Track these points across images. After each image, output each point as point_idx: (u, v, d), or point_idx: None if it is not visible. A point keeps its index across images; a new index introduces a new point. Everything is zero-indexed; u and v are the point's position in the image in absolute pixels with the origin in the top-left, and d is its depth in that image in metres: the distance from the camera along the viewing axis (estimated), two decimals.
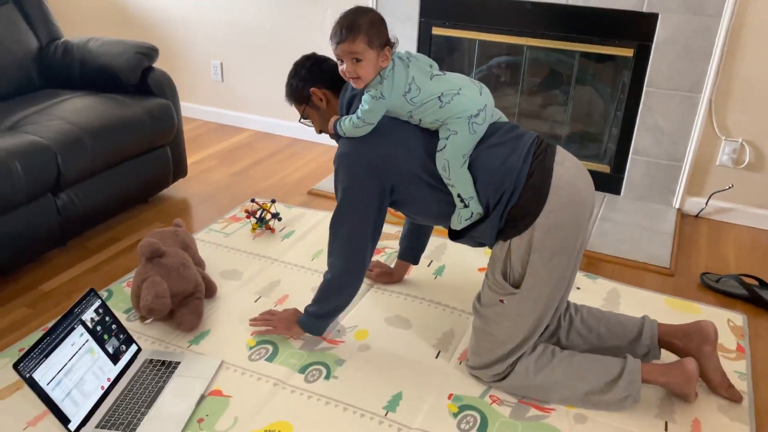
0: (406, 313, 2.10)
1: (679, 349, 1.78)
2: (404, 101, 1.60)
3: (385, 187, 1.67)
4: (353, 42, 1.53)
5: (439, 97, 1.59)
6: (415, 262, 2.21)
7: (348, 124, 1.64)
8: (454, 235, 1.75)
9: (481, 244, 1.76)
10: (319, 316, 1.87)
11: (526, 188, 1.57)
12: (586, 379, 1.68)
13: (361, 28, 1.53)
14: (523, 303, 1.64)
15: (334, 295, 1.82)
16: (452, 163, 1.59)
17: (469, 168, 1.62)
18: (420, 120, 1.64)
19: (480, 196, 1.62)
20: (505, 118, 1.76)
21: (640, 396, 1.67)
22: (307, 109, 1.80)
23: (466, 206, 1.63)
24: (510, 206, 1.59)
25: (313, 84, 1.75)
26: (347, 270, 1.76)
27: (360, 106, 1.62)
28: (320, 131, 1.85)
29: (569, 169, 1.62)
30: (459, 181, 1.61)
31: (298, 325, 1.90)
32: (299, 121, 1.86)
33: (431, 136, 1.64)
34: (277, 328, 1.93)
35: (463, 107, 1.59)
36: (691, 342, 1.75)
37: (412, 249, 2.17)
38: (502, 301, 1.65)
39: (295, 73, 1.78)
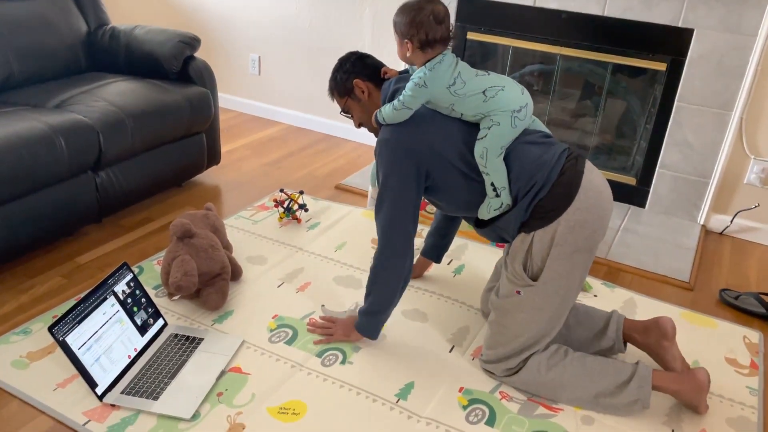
0: (423, 307, 2.15)
1: (639, 343, 1.85)
2: (448, 93, 1.65)
3: (421, 169, 1.71)
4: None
5: (483, 91, 1.65)
6: (438, 260, 2.26)
7: (388, 109, 1.70)
8: (479, 224, 1.81)
9: (502, 239, 1.81)
10: (370, 313, 1.87)
11: (557, 184, 1.63)
12: (597, 380, 1.71)
13: (399, 10, 1.66)
14: (538, 296, 1.68)
15: (379, 282, 1.82)
16: (490, 152, 1.64)
17: (505, 159, 1.67)
18: (462, 114, 1.69)
19: (511, 187, 1.67)
20: (543, 126, 1.83)
21: (650, 402, 1.69)
22: (348, 102, 1.87)
23: (497, 196, 1.68)
24: (538, 199, 1.64)
25: (357, 76, 1.83)
26: (389, 255, 1.78)
27: (403, 92, 1.68)
28: (359, 125, 1.91)
29: (597, 177, 1.69)
30: (494, 171, 1.66)
31: (355, 330, 1.92)
32: (340, 113, 1.92)
33: (470, 127, 1.69)
34: (335, 335, 1.94)
35: (506, 102, 1.65)
36: (649, 337, 1.82)
37: (435, 247, 2.22)
38: (518, 292, 1.70)
39: (340, 66, 1.86)
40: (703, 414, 1.75)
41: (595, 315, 1.89)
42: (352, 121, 1.97)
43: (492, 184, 1.67)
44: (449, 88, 1.65)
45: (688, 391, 1.71)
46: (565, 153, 1.68)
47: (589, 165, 1.70)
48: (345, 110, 1.90)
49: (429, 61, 1.65)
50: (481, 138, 1.66)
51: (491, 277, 2.07)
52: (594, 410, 1.74)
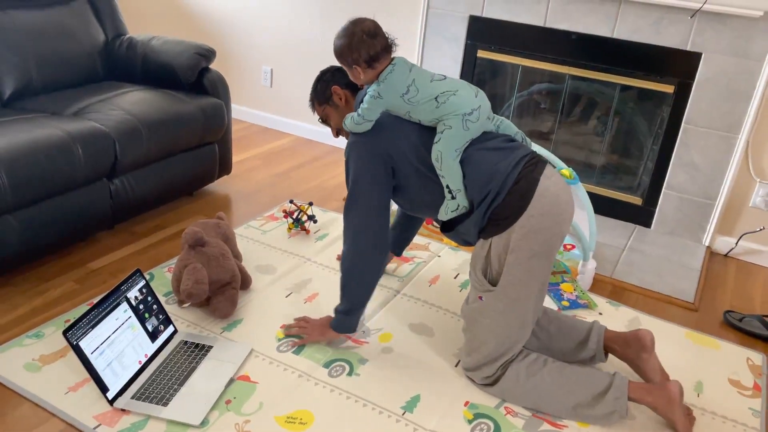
0: (430, 321, 2.18)
1: (619, 354, 1.89)
2: (402, 102, 1.72)
3: (387, 168, 1.78)
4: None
5: (435, 98, 1.71)
6: (398, 253, 2.35)
7: (350, 121, 1.77)
8: (444, 229, 1.87)
9: (467, 242, 1.86)
10: (347, 312, 1.92)
11: (511, 192, 1.68)
12: (574, 390, 1.74)
13: (334, 43, 1.74)
14: (499, 301, 1.73)
15: (352, 282, 1.87)
16: (445, 155, 1.70)
17: (462, 164, 1.73)
18: (419, 120, 1.76)
19: (467, 192, 1.73)
20: (514, 129, 1.86)
21: (627, 412, 1.71)
22: (327, 109, 1.95)
23: (453, 198, 1.74)
24: (494, 206, 1.69)
25: (336, 84, 1.90)
26: (359, 253, 1.84)
27: (361, 105, 1.75)
28: (337, 133, 1.98)
29: (555, 184, 1.72)
30: (449, 173, 1.72)
31: (331, 329, 1.96)
32: (318, 121, 2.00)
33: (430, 131, 1.76)
34: (311, 335, 1.98)
35: (457, 106, 1.70)
36: (629, 349, 1.86)
37: (397, 241, 2.30)
38: (480, 298, 1.76)
39: (321, 77, 1.95)
40: (682, 431, 1.74)
41: (576, 326, 1.92)
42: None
43: (447, 187, 1.73)
44: (403, 97, 1.72)
45: (661, 404, 1.72)
46: (525, 159, 1.72)
47: (547, 171, 1.73)
48: (323, 118, 1.98)
49: (381, 73, 1.72)
50: (436, 142, 1.72)
51: None
52: (573, 420, 1.77)
